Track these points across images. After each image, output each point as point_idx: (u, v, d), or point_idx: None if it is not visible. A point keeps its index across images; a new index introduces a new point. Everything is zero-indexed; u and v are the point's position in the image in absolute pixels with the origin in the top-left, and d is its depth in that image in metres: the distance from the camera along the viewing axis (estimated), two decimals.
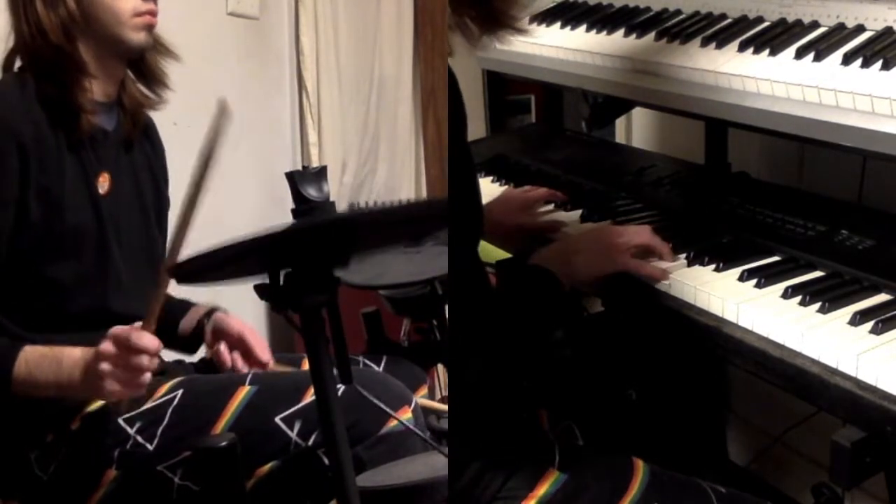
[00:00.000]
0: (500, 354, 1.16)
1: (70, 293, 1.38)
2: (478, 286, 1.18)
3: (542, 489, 1.17)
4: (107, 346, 1.24)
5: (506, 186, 1.77)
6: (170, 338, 1.59)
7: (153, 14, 1.43)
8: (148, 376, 1.26)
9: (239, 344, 1.55)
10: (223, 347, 1.55)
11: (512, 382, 1.21)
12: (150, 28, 1.43)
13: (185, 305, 1.64)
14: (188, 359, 1.65)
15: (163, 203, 1.60)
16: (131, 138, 1.51)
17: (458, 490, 1.15)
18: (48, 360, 1.30)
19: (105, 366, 1.23)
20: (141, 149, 1.55)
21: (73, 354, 1.29)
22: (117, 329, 1.25)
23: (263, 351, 1.55)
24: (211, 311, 1.60)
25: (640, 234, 1.32)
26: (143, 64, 1.49)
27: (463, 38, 1.16)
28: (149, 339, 1.25)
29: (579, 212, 1.53)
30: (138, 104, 1.50)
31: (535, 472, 1.18)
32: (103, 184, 1.42)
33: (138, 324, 1.29)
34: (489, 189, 1.72)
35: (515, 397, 1.24)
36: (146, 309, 1.32)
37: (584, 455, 1.25)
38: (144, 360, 1.24)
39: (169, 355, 1.63)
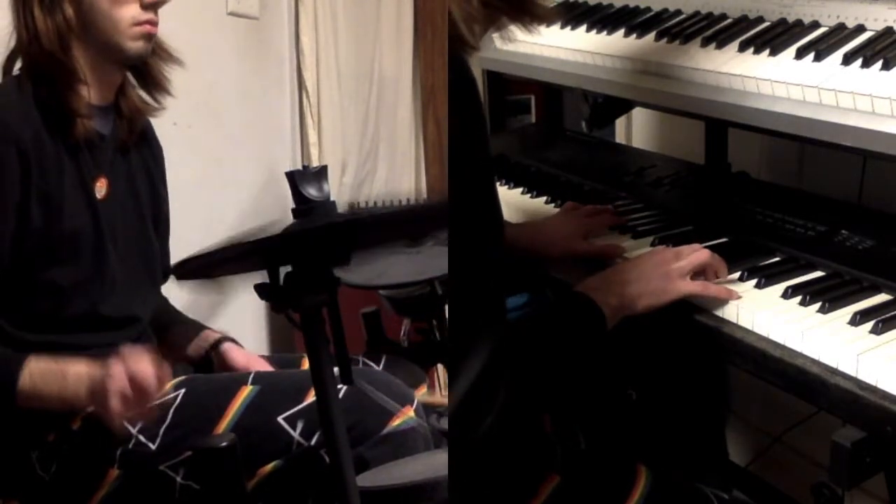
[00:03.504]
0: (520, 385, 1.12)
1: (67, 296, 1.38)
2: (495, 287, 1.10)
3: (544, 493, 1.16)
4: (119, 382, 1.23)
5: (506, 187, 1.77)
6: (177, 360, 1.59)
7: (153, 24, 1.42)
8: (154, 413, 1.27)
9: None
10: None
11: (528, 407, 1.17)
12: (149, 37, 1.42)
13: (195, 329, 1.63)
14: None
15: (160, 205, 1.60)
16: (128, 142, 1.50)
17: (459, 493, 1.15)
18: (53, 374, 1.29)
19: (115, 403, 1.23)
20: (138, 151, 1.55)
21: (79, 371, 1.29)
22: (129, 359, 1.25)
23: None
24: (217, 343, 1.60)
25: (698, 254, 1.25)
26: (145, 69, 1.49)
27: (487, 29, 1.14)
28: (160, 379, 1.25)
29: (648, 239, 1.44)
30: (136, 110, 1.50)
31: (538, 475, 1.18)
32: (100, 188, 1.42)
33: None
34: None
35: (528, 416, 1.21)
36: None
37: (586, 459, 1.24)
38: (153, 401, 1.25)
39: None
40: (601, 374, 1.60)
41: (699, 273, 1.25)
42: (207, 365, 1.59)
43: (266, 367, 1.58)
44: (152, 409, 1.26)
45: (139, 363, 1.25)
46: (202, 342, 1.61)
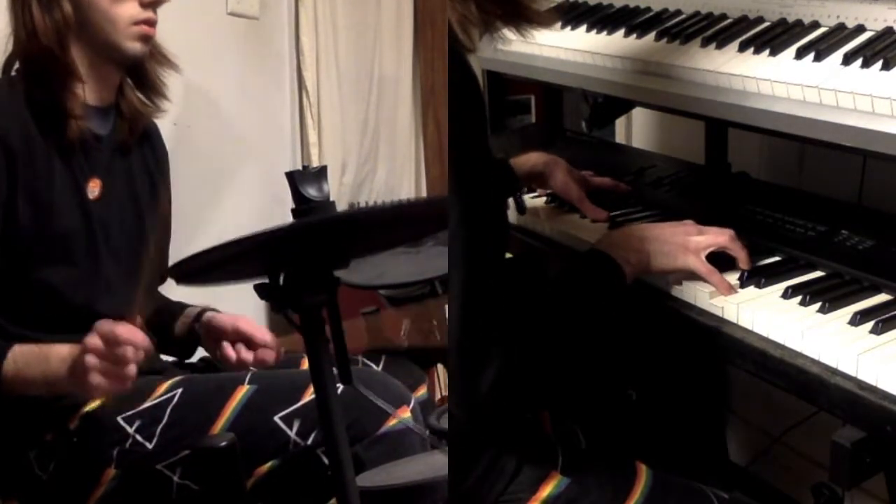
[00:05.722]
0: (539, 346, 1.14)
1: (60, 296, 1.38)
2: (503, 282, 1.12)
3: (544, 492, 1.16)
4: (92, 339, 1.23)
5: None
6: (165, 342, 1.59)
7: (151, 24, 1.42)
8: (133, 369, 1.24)
9: (235, 336, 1.54)
10: (227, 348, 1.54)
11: (545, 378, 1.17)
12: (146, 39, 1.42)
13: (177, 309, 1.63)
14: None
15: (160, 206, 1.59)
16: (128, 143, 1.50)
17: (459, 493, 1.15)
18: (36, 357, 1.30)
19: (90, 359, 1.22)
20: (139, 153, 1.55)
21: (61, 351, 1.29)
22: (102, 323, 1.24)
23: (262, 333, 1.54)
24: (200, 315, 1.60)
25: (721, 235, 1.27)
26: (141, 72, 1.49)
27: (483, 33, 1.15)
28: (134, 332, 1.23)
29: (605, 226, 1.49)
30: (137, 111, 1.50)
31: (538, 475, 1.18)
32: (93, 189, 1.42)
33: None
34: None
35: (544, 392, 1.22)
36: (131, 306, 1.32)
37: (586, 458, 1.24)
38: (129, 351, 1.22)
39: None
40: (601, 374, 1.60)
41: (720, 256, 1.26)
42: (194, 341, 1.59)
43: (252, 323, 1.56)
44: (130, 364, 1.23)
45: (112, 325, 1.23)
46: (185, 319, 1.60)
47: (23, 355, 1.30)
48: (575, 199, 1.54)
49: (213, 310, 1.61)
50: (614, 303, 1.23)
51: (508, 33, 1.17)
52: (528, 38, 1.19)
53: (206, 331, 1.57)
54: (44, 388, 1.31)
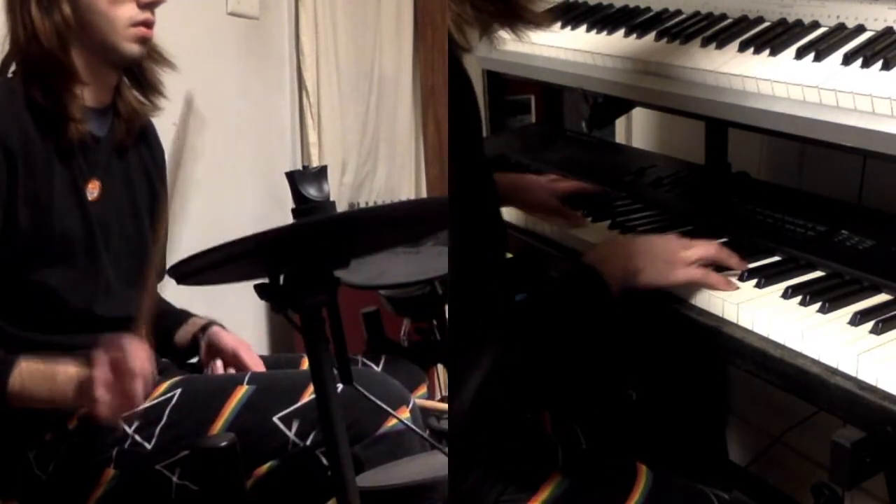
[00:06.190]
0: (524, 358, 1.13)
1: (60, 297, 1.38)
2: (497, 286, 1.13)
3: (544, 492, 1.16)
4: (102, 370, 1.22)
5: None
6: (164, 348, 1.59)
7: (149, 25, 1.42)
8: (141, 397, 1.25)
9: (233, 360, 1.55)
10: (218, 364, 1.55)
11: (529, 390, 1.17)
12: (144, 41, 1.42)
13: (182, 317, 1.63)
14: None
15: (158, 206, 1.59)
16: (125, 144, 1.50)
17: (460, 493, 1.15)
18: (42, 375, 1.29)
19: (101, 392, 1.22)
20: (136, 153, 1.54)
21: (68, 371, 1.28)
22: (111, 348, 1.23)
23: (258, 367, 1.55)
24: (206, 326, 1.60)
25: (708, 248, 1.26)
26: (138, 72, 1.49)
27: (480, 33, 1.15)
28: (143, 362, 1.23)
29: (606, 223, 1.48)
30: (134, 111, 1.50)
31: (539, 475, 1.18)
32: (93, 190, 1.42)
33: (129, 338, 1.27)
34: None
35: (527, 403, 1.22)
36: (136, 313, 1.32)
37: (586, 458, 1.24)
38: (139, 385, 1.22)
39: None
40: (601, 374, 1.60)
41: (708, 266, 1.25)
42: (194, 350, 1.59)
43: (252, 354, 1.57)
44: (138, 397, 1.24)
45: (120, 350, 1.23)
46: (190, 327, 1.61)
47: (29, 372, 1.29)
48: (567, 223, 1.52)
49: (219, 324, 1.62)
50: (600, 317, 1.21)
51: (505, 34, 1.17)
52: (525, 39, 1.18)
53: (208, 344, 1.58)
54: (49, 405, 1.30)
